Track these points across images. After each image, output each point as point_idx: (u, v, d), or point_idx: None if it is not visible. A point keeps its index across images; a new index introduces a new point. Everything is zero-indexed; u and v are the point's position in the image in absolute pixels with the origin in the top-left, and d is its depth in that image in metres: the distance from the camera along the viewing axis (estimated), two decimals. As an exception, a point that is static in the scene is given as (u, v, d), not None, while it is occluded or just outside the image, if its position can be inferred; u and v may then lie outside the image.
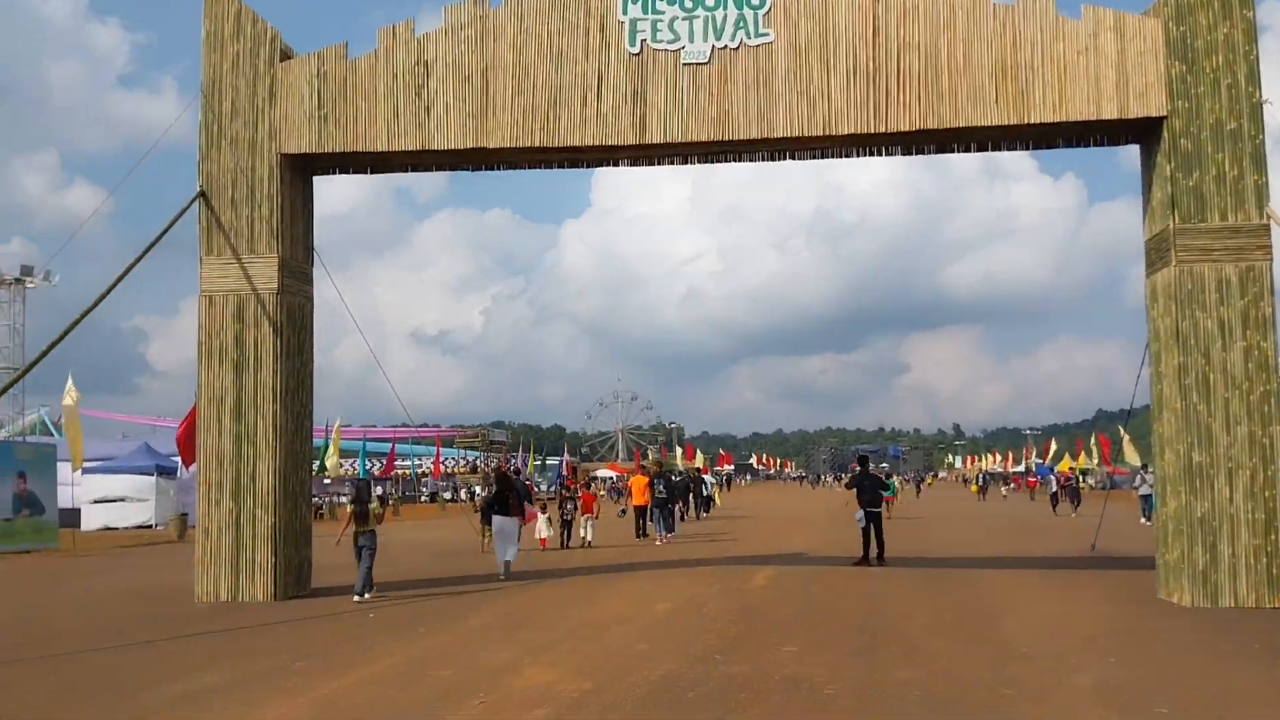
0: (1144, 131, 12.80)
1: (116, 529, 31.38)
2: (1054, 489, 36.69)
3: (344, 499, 50.17)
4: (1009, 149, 13.76)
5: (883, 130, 12.88)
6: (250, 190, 13.49)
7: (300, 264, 13.98)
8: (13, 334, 46.34)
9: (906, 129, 12.84)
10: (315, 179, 14.52)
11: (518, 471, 26.50)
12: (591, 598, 12.86)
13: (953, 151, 13.83)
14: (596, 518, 22.68)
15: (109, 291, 12.03)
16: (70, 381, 24.53)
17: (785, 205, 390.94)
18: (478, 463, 58.15)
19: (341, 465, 48.03)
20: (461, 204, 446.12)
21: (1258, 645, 9.16)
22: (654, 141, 13.13)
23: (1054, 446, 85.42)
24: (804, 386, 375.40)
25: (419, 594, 13.46)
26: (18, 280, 41.25)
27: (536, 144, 13.25)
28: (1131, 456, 39.44)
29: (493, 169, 14.27)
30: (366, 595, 12.78)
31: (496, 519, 15.64)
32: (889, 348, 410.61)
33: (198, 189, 13.57)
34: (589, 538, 21.78)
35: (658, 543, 22.02)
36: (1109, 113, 12.47)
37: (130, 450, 36.40)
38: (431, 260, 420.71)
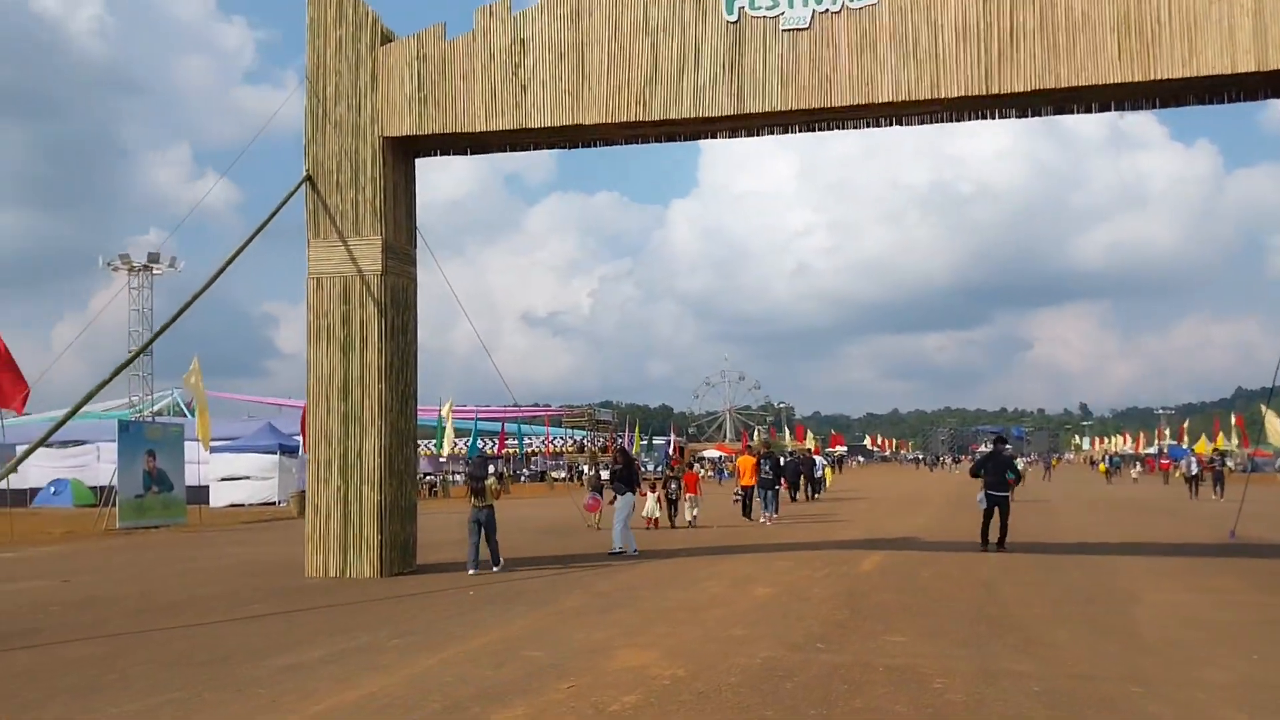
0: (1288, 84, 11.80)
1: (243, 506, 32.72)
2: (1192, 472, 34.53)
3: (458, 476, 51.61)
4: (1133, 109, 12.85)
5: (995, 92, 12.21)
6: (354, 173, 13.66)
7: (403, 245, 14.10)
8: (141, 318, 48.85)
9: (1021, 90, 12.15)
10: (417, 161, 14.63)
11: (623, 451, 26.69)
12: (691, 579, 12.66)
13: (1072, 113, 13.00)
14: (701, 497, 22.71)
15: (220, 273, 12.37)
16: (196, 361, 25.53)
17: (898, 178, 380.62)
18: (584, 442, 58.63)
19: (455, 444, 49.15)
20: (570, 188, 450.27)
21: None
22: (753, 111, 12.75)
23: (1188, 426, 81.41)
24: (921, 365, 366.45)
25: (520, 572, 13.49)
26: (145, 267, 43.31)
27: (632, 118, 13.03)
28: (1275, 437, 36.86)
29: (590, 146, 14.11)
30: (495, 568, 13.24)
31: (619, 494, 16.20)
32: (1011, 324, 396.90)
33: (304, 173, 13.83)
34: (693, 517, 21.82)
35: (764, 523, 21.96)
36: (1245, 65, 11.52)
37: (254, 430, 37.89)
38: (541, 244, 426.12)
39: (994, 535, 15.63)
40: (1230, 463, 65.66)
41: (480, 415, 49.24)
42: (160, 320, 47.20)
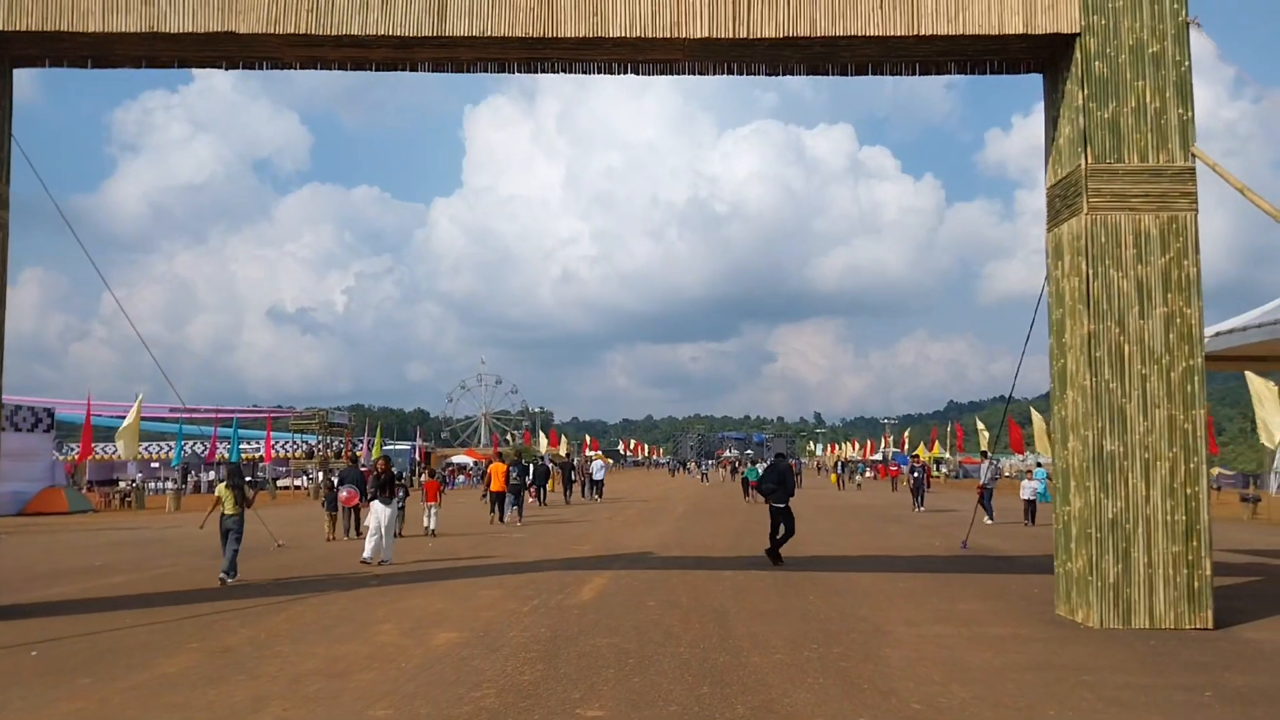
0: (1051, 54, 10.71)
1: None
2: (920, 478, 32.83)
3: (168, 484, 45.70)
4: (892, 72, 11.35)
5: (743, 36, 10.37)
6: (-90, 76, 10.01)
7: (-15, 179, 10.54)
8: None
9: (773, 36, 10.38)
10: (16, 72, 11.09)
11: (355, 459, 23.89)
12: (361, 621, 9.94)
13: (826, 73, 11.37)
14: (440, 506, 20.56)
15: None
16: None
17: (658, 194, 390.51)
18: (316, 447, 53.66)
19: (145, 449, 43.31)
20: (327, 179, 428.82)
21: (1209, 693, 7.02)
22: (457, 35, 10.28)
23: (909, 435, 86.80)
24: (676, 373, 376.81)
25: (148, 612, 10.29)
26: None
27: (302, 30, 10.24)
28: (1042, 446, 37.77)
29: (252, 67, 11.09)
30: (230, 580, 12.68)
31: (378, 506, 15.21)
32: (758, 337, 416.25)
33: None
34: (432, 526, 20.38)
35: (513, 523, 23.08)
36: (1013, 27, 10.31)
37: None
38: (293, 235, 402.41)
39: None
40: (944, 469, 69.96)
41: (185, 416, 43.52)
42: None
